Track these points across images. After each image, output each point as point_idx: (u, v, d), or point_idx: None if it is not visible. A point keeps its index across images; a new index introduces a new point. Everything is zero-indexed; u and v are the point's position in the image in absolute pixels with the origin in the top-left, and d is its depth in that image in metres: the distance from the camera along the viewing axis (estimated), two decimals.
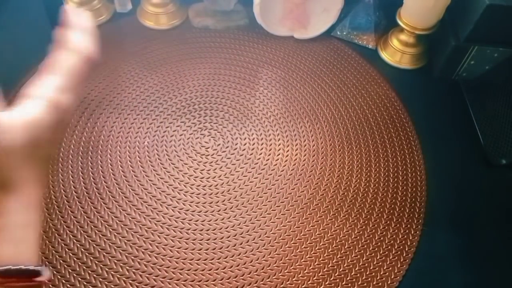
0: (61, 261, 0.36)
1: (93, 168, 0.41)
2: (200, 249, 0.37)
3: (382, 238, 0.39)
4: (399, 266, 0.37)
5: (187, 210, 0.39)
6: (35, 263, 0.28)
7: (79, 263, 0.35)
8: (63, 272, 0.35)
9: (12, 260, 0.28)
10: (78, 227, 0.38)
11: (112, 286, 0.35)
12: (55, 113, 0.30)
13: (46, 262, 0.36)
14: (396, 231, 0.39)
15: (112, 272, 0.35)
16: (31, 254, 0.29)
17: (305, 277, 0.36)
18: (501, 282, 0.37)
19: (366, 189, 0.42)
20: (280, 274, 0.36)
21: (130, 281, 0.35)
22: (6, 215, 0.28)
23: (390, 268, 0.37)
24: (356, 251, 0.38)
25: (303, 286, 0.36)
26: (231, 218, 0.39)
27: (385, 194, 0.42)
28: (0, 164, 0.28)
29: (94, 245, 0.37)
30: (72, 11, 0.33)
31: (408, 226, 0.39)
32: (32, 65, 0.49)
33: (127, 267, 0.36)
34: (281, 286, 0.36)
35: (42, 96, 0.28)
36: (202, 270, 0.36)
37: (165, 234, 0.38)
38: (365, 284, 0.36)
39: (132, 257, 0.36)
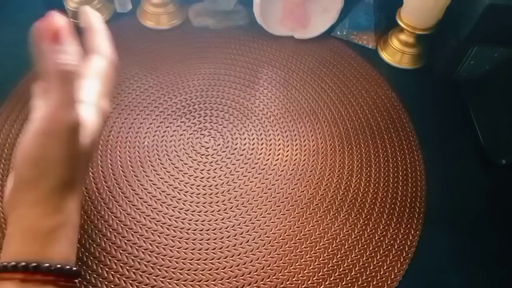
0: None
1: (93, 168, 0.41)
2: (200, 249, 0.37)
3: (382, 238, 0.39)
4: (399, 266, 0.37)
5: (187, 210, 0.39)
6: (76, 265, 0.29)
7: (79, 263, 0.35)
8: None
9: (63, 259, 0.28)
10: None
11: (112, 286, 0.35)
12: (103, 119, 0.30)
13: None
14: (396, 231, 0.39)
15: (112, 272, 0.35)
16: (75, 255, 0.30)
17: (305, 277, 0.36)
18: (501, 282, 0.37)
19: (366, 189, 0.42)
20: (280, 274, 0.36)
21: (130, 281, 0.35)
22: (67, 213, 0.29)
23: (390, 268, 0.37)
24: (356, 251, 0.38)
25: (303, 286, 0.36)
26: (231, 218, 0.39)
27: (385, 194, 0.42)
28: (76, 166, 0.29)
29: (94, 245, 0.37)
30: (91, 12, 0.33)
31: (408, 226, 0.39)
32: (32, 65, 0.49)
33: (127, 267, 0.36)
34: (281, 286, 0.36)
35: (91, 102, 0.28)
36: (202, 270, 0.36)
37: (165, 234, 0.38)
38: (365, 284, 0.36)
39: (132, 257, 0.36)
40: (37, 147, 0.26)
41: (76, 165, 0.29)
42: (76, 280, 0.29)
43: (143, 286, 0.35)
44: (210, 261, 0.37)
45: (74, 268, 0.28)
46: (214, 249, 0.37)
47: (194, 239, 0.38)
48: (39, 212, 0.27)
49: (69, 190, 0.29)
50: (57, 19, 0.25)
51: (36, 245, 0.27)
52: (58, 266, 0.27)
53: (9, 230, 0.28)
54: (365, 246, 0.38)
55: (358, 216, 0.40)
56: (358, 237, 0.39)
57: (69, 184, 0.29)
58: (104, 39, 0.34)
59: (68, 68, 0.26)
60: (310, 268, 0.37)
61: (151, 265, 0.36)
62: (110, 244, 0.37)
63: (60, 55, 0.25)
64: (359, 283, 0.36)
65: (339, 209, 0.40)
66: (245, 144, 0.44)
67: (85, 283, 0.35)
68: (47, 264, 0.26)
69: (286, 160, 0.43)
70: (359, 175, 0.43)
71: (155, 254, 0.37)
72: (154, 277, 0.35)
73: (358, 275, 0.36)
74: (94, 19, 0.34)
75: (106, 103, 0.31)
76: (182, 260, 0.36)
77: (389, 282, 0.36)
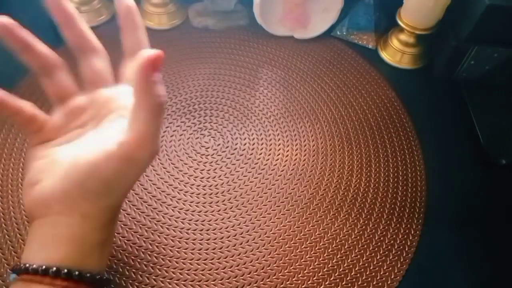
0: None
1: None
2: (200, 249, 0.37)
3: (382, 238, 0.39)
4: (399, 266, 0.37)
5: (187, 210, 0.39)
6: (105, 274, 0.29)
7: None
8: None
9: (100, 270, 0.28)
10: None
11: (113, 286, 0.35)
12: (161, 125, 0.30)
13: None
14: (396, 231, 0.39)
15: (113, 272, 0.35)
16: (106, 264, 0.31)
17: (305, 277, 0.36)
18: (502, 282, 0.37)
19: (366, 189, 0.42)
20: (280, 274, 0.36)
21: (130, 281, 0.35)
22: (113, 230, 0.30)
23: (390, 268, 0.37)
24: (356, 251, 0.38)
25: (303, 286, 0.36)
26: (231, 218, 0.39)
27: (385, 194, 0.42)
28: (138, 178, 0.29)
29: None
30: (133, 9, 0.32)
31: (408, 226, 0.39)
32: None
33: (127, 267, 0.36)
34: (281, 286, 0.36)
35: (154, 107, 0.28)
36: (202, 270, 0.36)
37: (165, 234, 0.38)
38: (365, 284, 0.36)
39: (132, 257, 0.36)
40: (115, 171, 0.26)
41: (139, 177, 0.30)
42: None
43: (143, 286, 0.35)
44: (210, 261, 0.37)
45: (109, 278, 0.30)
46: (214, 249, 0.37)
47: (194, 239, 0.38)
48: (92, 225, 0.27)
49: (120, 208, 0.30)
50: (154, 52, 0.25)
51: (80, 255, 0.27)
52: (98, 276, 0.27)
53: (44, 231, 0.27)
54: (365, 246, 0.38)
55: (358, 216, 0.40)
56: (358, 237, 0.39)
57: (123, 201, 0.30)
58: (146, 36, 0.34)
59: (164, 100, 0.26)
60: (310, 268, 0.37)
61: (151, 265, 0.36)
62: None
63: (158, 87, 0.26)
64: (359, 283, 0.36)
65: (339, 209, 0.40)
66: (245, 144, 0.44)
67: None
68: (89, 274, 0.26)
69: (286, 160, 0.43)
70: (359, 175, 0.43)
71: (155, 254, 0.37)
72: (154, 277, 0.35)
73: (358, 275, 0.36)
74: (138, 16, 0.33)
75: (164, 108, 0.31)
76: (182, 260, 0.36)
77: (389, 282, 0.36)
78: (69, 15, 0.32)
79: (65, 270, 0.25)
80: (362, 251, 0.38)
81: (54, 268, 0.25)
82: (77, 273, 0.26)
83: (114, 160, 0.26)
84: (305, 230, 0.39)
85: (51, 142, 0.30)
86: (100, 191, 0.27)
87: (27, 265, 0.26)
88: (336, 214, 0.40)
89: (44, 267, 0.25)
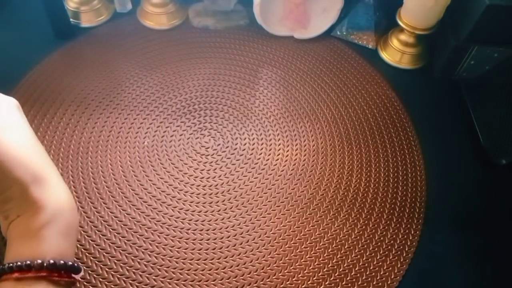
0: None
1: (93, 168, 0.41)
2: (200, 249, 0.37)
3: (382, 238, 0.39)
4: (399, 266, 0.37)
5: (187, 210, 0.39)
6: (75, 261, 0.29)
7: (79, 263, 0.35)
8: None
9: (57, 255, 0.29)
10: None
11: (112, 286, 0.35)
12: None
13: None
14: (396, 231, 0.39)
15: (112, 272, 0.35)
16: (73, 251, 0.31)
17: (305, 277, 0.36)
18: (501, 282, 0.37)
19: (366, 189, 0.42)
20: (280, 274, 0.36)
21: (130, 281, 0.35)
22: (52, 210, 0.30)
23: (390, 268, 0.37)
24: (356, 251, 0.38)
25: (303, 286, 0.36)
26: (231, 218, 0.39)
27: (385, 194, 0.42)
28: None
29: (94, 245, 0.37)
30: None
31: (408, 226, 0.39)
32: (32, 64, 0.49)
33: (127, 267, 0.36)
34: (281, 286, 0.36)
35: None
36: (202, 270, 0.36)
37: (165, 234, 0.38)
38: (365, 284, 0.36)
39: (132, 257, 0.36)
40: None
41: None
42: (76, 276, 0.29)
43: (143, 286, 0.35)
44: (210, 261, 0.36)
45: (70, 263, 0.28)
46: (214, 249, 0.37)
47: (194, 239, 0.38)
48: (27, 215, 0.28)
49: (44, 184, 0.29)
50: None
51: (28, 245, 0.28)
52: (51, 261, 0.27)
53: (8, 242, 0.29)
54: (365, 246, 0.38)
55: (358, 216, 0.40)
56: (358, 237, 0.39)
57: (42, 178, 0.29)
58: None
59: None
60: (310, 268, 0.37)
61: (151, 265, 0.36)
62: (110, 244, 0.37)
63: None
64: (359, 283, 0.36)
65: (339, 209, 0.40)
66: (245, 144, 0.44)
67: (85, 283, 0.35)
68: (39, 261, 0.27)
69: (286, 160, 0.43)
70: (359, 175, 0.43)
71: (155, 254, 0.37)
72: (154, 277, 0.35)
73: (358, 275, 0.36)
74: None
75: None
76: (182, 260, 0.36)
77: (389, 282, 0.36)
78: None
79: (18, 263, 0.27)
80: (362, 251, 0.38)
81: (10, 264, 0.27)
82: (27, 263, 0.27)
83: None
84: (305, 230, 0.39)
85: None
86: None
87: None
88: (336, 214, 0.40)
89: (2, 266, 0.27)
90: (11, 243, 0.28)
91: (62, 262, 0.28)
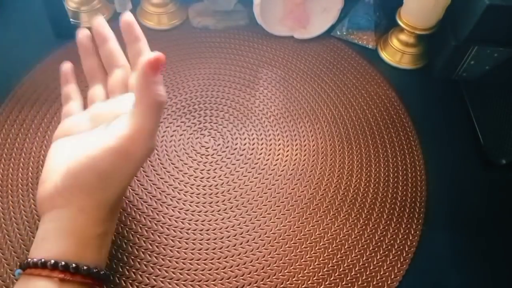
0: None
1: None
2: (200, 249, 0.37)
3: (382, 238, 0.39)
4: (399, 266, 0.37)
5: (187, 210, 0.39)
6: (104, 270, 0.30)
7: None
8: None
9: (98, 265, 0.29)
10: None
11: (112, 286, 0.35)
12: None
13: None
14: (396, 231, 0.39)
15: (112, 272, 0.35)
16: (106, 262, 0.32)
17: (305, 277, 0.36)
18: (501, 282, 0.37)
19: (366, 189, 0.42)
20: (280, 274, 0.36)
21: (130, 281, 0.35)
22: (112, 224, 0.31)
23: (390, 268, 0.37)
24: (356, 251, 0.38)
25: (303, 286, 0.36)
26: (231, 218, 0.39)
27: (385, 194, 0.42)
28: (133, 173, 0.30)
29: None
30: (133, 23, 0.34)
31: (408, 226, 0.39)
32: (32, 64, 0.49)
33: (127, 267, 0.36)
34: (281, 286, 0.36)
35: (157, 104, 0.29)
36: (202, 270, 0.36)
37: (165, 234, 0.38)
38: (365, 284, 0.36)
39: (132, 257, 0.36)
40: (110, 164, 0.27)
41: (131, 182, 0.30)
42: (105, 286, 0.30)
43: (143, 286, 0.35)
44: (210, 261, 0.37)
45: (108, 273, 0.30)
46: (214, 249, 0.37)
47: (194, 239, 0.38)
48: (89, 218, 0.28)
49: (119, 203, 0.31)
50: (155, 54, 0.27)
51: (78, 248, 0.27)
52: (95, 270, 0.28)
53: (47, 226, 0.28)
54: (365, 246, 0.38)
55: (358, 216, 0.40)
56: (358, 237, 0.39)
57: (121, 197, 0.30)
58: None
59: (165, 100, 0.28)
60: (310, 268, 0.37)
61: (151, 265, 0.36)
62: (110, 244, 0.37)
63: (159, 87, 0.28)
64: (359, 283, 0.36)
65: (339, 209, 0.40)
66: (245, 144, 0.44)
67: None
68: (86, 267, 0.27)
69: (286, 160, 0.43)
70: (359, 175, 0.43)
71: (155, 254, 0.37)
72: (154, 277, 0.35)
73: (358, 275, 0.37)
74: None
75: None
76: (182, 260, 0.36)
77: (389, 282, 0.36)
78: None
79: (63, 263, 0.26)
80: (362, 251, 0.38)
81: (52, 261, 0.26)
82: (74, 265, 0.26)
83: (109, 153, 0.27)
84: (305, 230, 0.39)
85: (68, 137, 0.31)
86: (94, 184, 0.27)
87: (29, 259, 0.26)
88: (336, 214, 0.40)
89: (43, 260, 0.26)
90: (55, 236, 0.27)
91: (102, 272, 0.28)
